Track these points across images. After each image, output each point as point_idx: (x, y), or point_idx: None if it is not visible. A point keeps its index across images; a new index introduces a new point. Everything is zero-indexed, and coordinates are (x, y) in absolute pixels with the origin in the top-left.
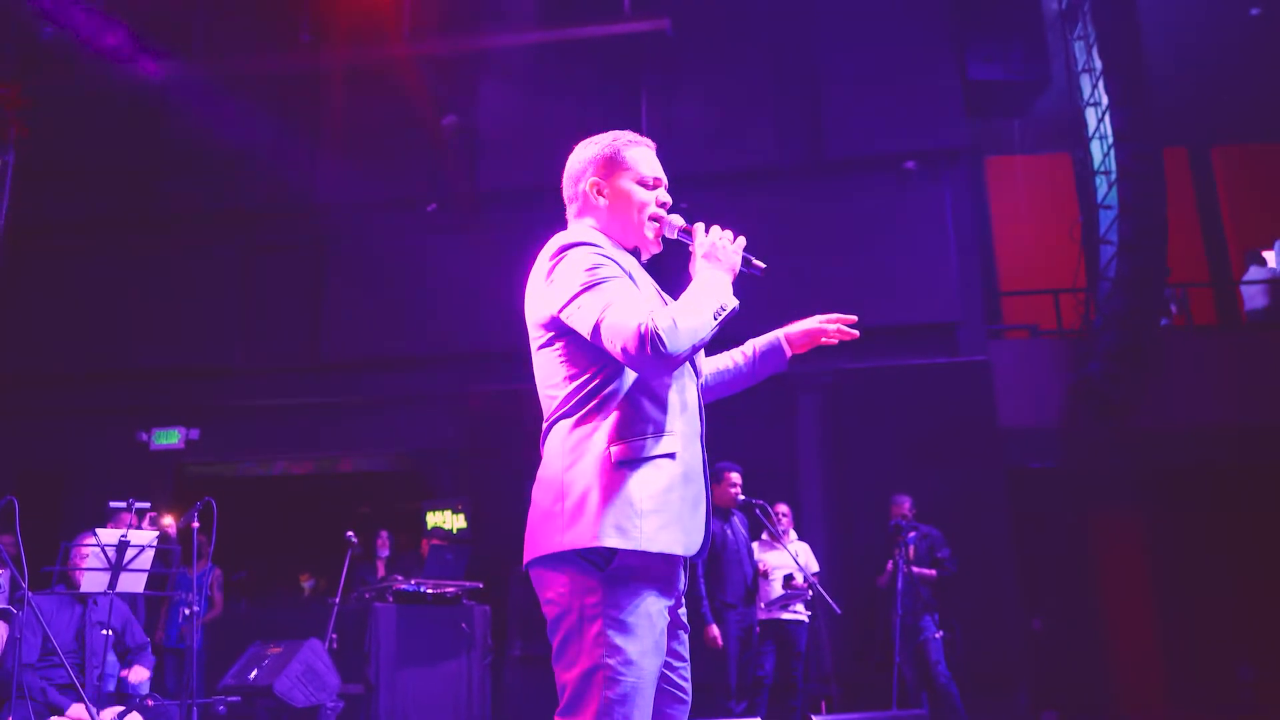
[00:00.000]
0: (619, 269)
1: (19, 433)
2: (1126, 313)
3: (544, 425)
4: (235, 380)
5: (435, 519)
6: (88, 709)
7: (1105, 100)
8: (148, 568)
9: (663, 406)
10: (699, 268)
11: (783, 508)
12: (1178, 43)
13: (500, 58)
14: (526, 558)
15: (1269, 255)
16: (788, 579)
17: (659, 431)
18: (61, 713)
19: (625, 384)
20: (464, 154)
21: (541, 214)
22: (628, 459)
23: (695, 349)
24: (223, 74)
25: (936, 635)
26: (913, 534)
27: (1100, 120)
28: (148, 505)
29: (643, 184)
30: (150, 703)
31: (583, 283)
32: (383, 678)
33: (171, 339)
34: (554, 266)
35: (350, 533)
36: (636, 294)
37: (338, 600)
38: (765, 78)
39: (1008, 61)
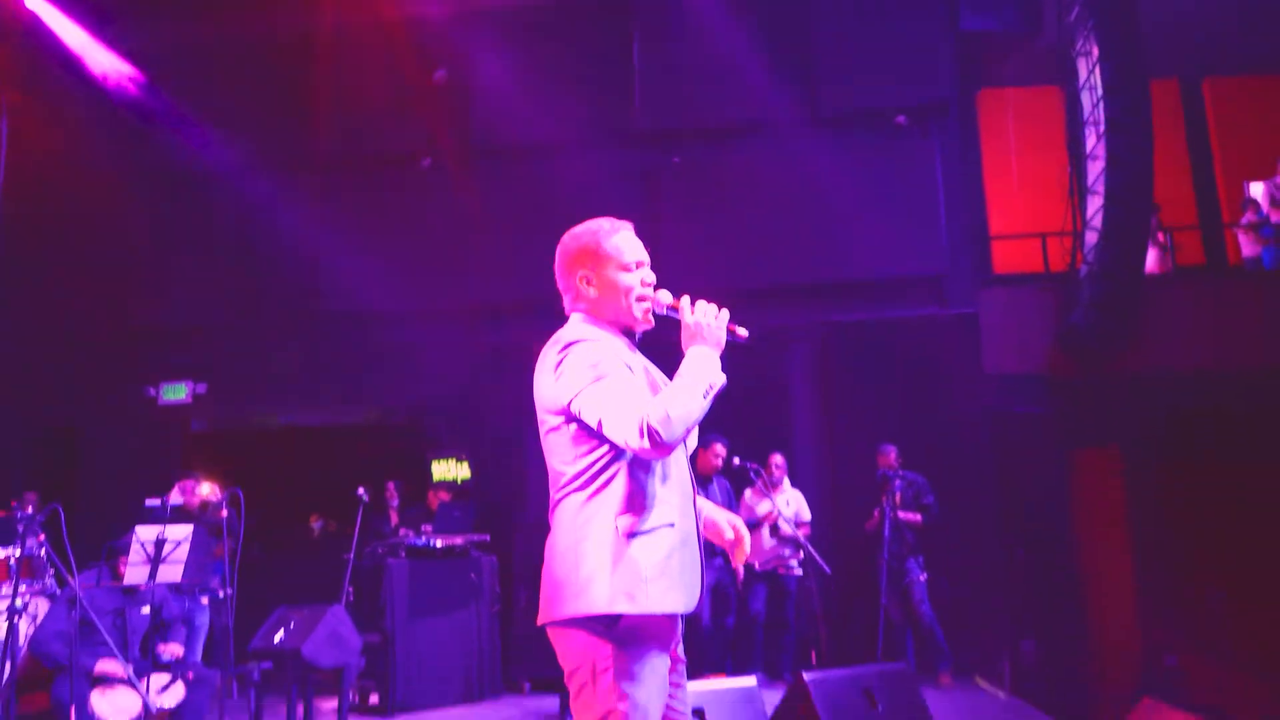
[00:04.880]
0: (617, 361)
1: (32, 388)
2: (1112, 264)
3: (554, 496)
4: (241, 335)
5: (440, 470)
6: (131, 682)
7: (1095, 51)
8: (184, 559)
9: (661, 479)
10: (688, 348)
11: (777, 458)
12: None
13: (492, 12)
14: (543, 619)
15: (1256, 188)
16: (774, 529)
17: (658, 504)
18: (102, 684)
19: (627, 462)
20: (457, 109)
21: (535, 168)
22: (633, 531)
23: (689, 430)
24: (213, 33)
25: (921, 578)
26: (898, 482)
27: (1090, 71)
28: (180, 501)
29: (626, 270)
30: (190, 675)
31: (588, 380)
32: (398, 627)
33: (177, 294)
34: (560, 362)
35: (361, 489)
36: (634, 388)
37: (352, 556)
38: (757, 32)
39: (999, 10)
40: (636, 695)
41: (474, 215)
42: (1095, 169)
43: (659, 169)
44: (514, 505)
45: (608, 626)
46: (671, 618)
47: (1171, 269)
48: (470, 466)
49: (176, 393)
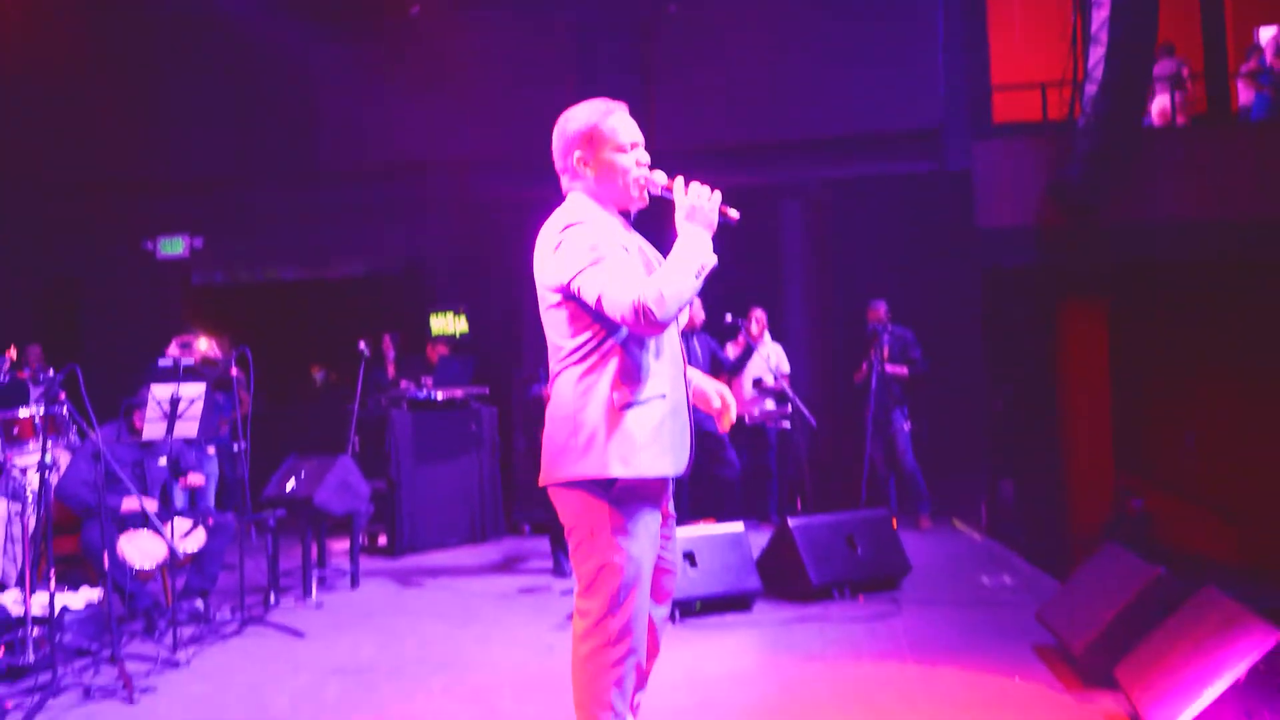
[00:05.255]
0: (613, 242)
1: (33, 242)
2: (1109, 117)
3: (553, 369)
4: (236, 189)
5: (439, 323)
6: (153, 524)
7: None
8: (199, 415)
9: (654, 354)
10: (681, 228)
11: (758, 312)
12: None
13: None
14: (544, 481)
15: (1265, 33)
16: (756, 382)
17: (651, 376)
18: (129, 529)
19: (622, 337)
20: None
21: (529, 17)
22: (628, 403)
23: (682, 308)
24: None
25: (905, 427)
26: (886, 336)
27: None
28: (191, 361)
29: (621, 151)
30: (210, 520)
31: (587, 260)
32: (403, 475)
33: (173, 149)
34: (560, 243)
35: (361, 343)
36: (630, 268)
37: (356, 407)
38: None
39: None
40: (630, 549)
41: (466, 63)
42: (1099, 16)
43: (654, 19)
44: (512, 358)
45: (604, 488)
46: (662, 480)
47: (1179, 120)
48: (468, 319)
49: (174, 246)
